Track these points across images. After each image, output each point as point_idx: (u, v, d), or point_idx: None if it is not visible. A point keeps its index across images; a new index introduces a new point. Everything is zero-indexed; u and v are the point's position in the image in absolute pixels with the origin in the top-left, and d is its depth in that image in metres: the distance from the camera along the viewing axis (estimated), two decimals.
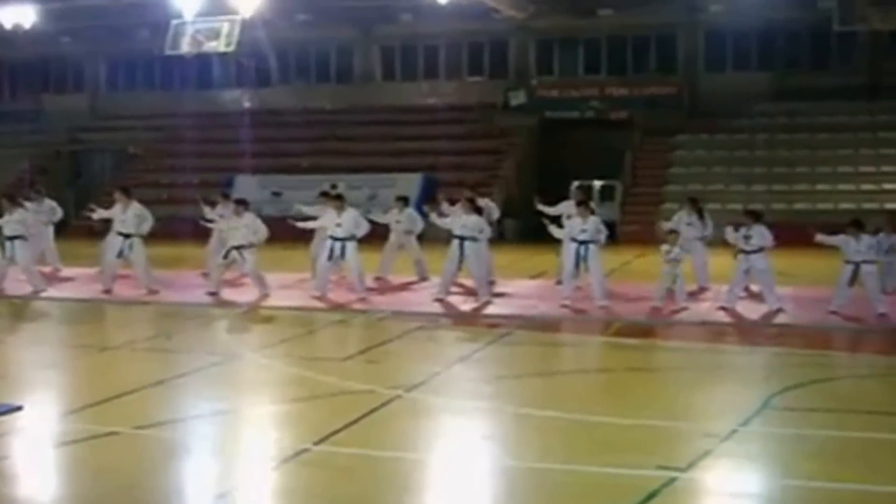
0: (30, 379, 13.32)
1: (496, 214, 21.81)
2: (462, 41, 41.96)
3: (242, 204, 20.49)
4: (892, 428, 10.35)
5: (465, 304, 18.99)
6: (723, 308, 17.99)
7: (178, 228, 28.62)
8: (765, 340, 16.35)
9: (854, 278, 17.48)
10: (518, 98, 40.09)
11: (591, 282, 18.76)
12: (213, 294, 19.85)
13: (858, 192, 34.69)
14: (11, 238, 20.59)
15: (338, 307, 18.85)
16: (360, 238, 19.62)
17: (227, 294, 20.07)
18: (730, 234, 18.17)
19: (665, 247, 18.35)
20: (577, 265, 18.55)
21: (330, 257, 19.58)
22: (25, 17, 37.66)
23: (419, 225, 22.47)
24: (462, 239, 19.04)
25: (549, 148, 39.01)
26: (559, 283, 19.66)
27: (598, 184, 36.06)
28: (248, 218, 19.99)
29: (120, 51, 46.19)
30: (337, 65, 44.25)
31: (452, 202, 21.29)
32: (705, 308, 18.41)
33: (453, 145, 37.09)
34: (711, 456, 9.21)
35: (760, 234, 17.83)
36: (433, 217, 20.71)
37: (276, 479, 8.81)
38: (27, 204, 22.89)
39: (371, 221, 20.57)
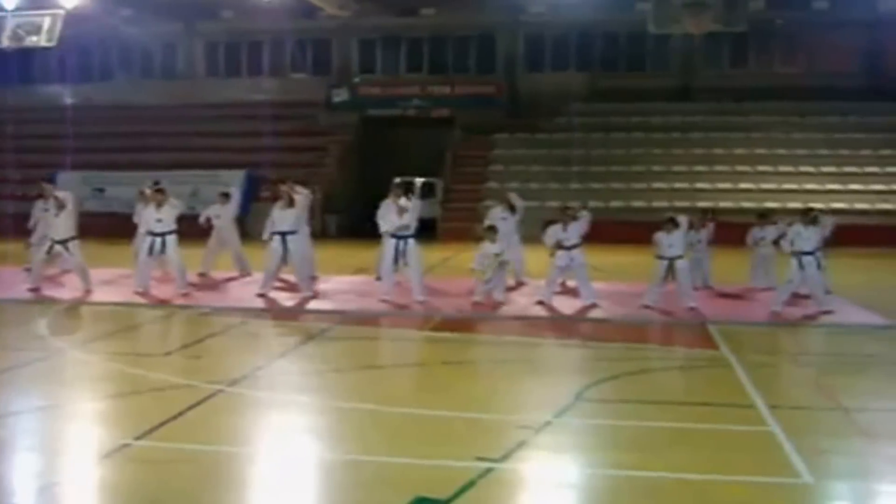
0: None
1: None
2: (286, 38, 42.04)
3: (161, 192, 20.10)
4: (697, 418, 10.79)
5: (288, 300, 19.19)
6: (540, 302, 18.57)
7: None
8: (580, 334, 16.83)
9: (668, 274, 18.25)
10: (341, 96, 40.37)
11: (410, 277, 19.17)
12: (34, 290, 19.64)
13: (671, 190, 36.00)
14: None
15: (160, 303, 18.85)
16: (181, 232, 19.61)
17: (49, 290, 19.85)
18: (546, 236, 18.72)
19: (486, 244, 18.79)
20: (395, 260, 18.92)
21: (150, 252, 19.55)
22: None
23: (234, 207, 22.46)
24: (283, 234, 19.24)
25: (371, 145, 39.40)
26: (379, 278, 19.99)
27: (419, 181, 36.56)
28: (68, 212, 19.79)
29: None
30: (161, 60, 43.78)
31: (274, 198, 21.38)
32: (523, 303, 18.94)
33: (276, 142, 37.12)
34: (526, 447, 9.47)
35: (576, 229, 18.46)
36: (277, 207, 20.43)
37: (98, 473, 8.80)
38: None
39: (193, 216, 20.53)
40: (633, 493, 8.42)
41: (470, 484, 8.33)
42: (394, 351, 16.15)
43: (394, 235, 18.92)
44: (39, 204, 22.28)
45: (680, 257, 18.20)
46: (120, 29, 40.61)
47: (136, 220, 20.86)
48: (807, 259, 17.93)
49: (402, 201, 19.10)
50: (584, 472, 9.04)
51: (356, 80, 41.50)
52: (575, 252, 18.41)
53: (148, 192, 20.76)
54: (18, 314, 17.89)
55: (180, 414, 10.50)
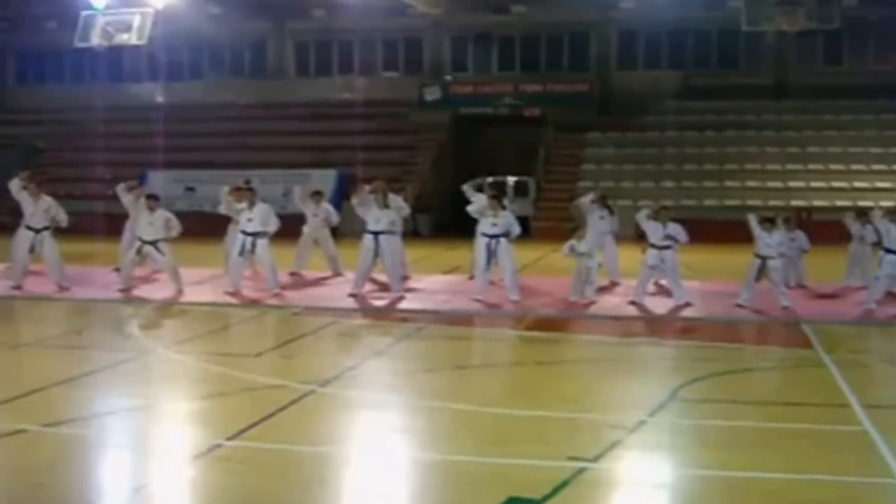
0: None
1: (406, 211, 21.82)
2: (377, 37, 41.99)
3: (154, 199, 20.33)
4: (791, 417, 10.60)
5: (379, 300, 19.03)
6: (632, 302, 18.26)
7: (90, 224, 28.33)
8: (673, 334, 16.63)
9: (761, 273, 17.84)
10: (432, 94, 40.21)
11: (503, 276, 18.91)
12: (124, 290, 19.69)
13: (765, 189, 35.37)
14: None
15: (251, 303, 18.79)
16: (272, 233, 19.56)
17: (140, 290, 19.91)
18: (643, 222, 18.42)
19: (571, 242, 18.54)
20: (488, 260, 18.68)
21: (241, 252, 19.50)
22: None
23: (334, 219, 22.52)
24: (376, 234, 19.07)
25: (463, 144, 39.21)
26: (472, 277, 19.78)
27: (511, 180, 36.31)
28: (161, 213, 19.85)
29: (28, 43, 45.55)
30: (251, 59, 44.00)
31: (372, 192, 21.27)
32: (615, 302, 18.66)
33: (368, 141, 37.07)
34: (620, 447, 9.32)
35: (676, 231, 18.13)
36: (354, 202, 20.35)
37: (189, 474, 8.76)
38: None
39: (285, 216, 20.48)
40: (726, 494, 8.28)
41: (563, 484, 8.21)
42: (486, 350, 15.99)
43: (486, 234, 18.68)
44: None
45: (775, 257, 17.79)
46: (209, 28, 40.85)
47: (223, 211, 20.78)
48: (890, 258, 17.57)
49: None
50: (677, 473, 8.89)
51: (448, 78, 41.36)
52: (666, 252, 18.07)
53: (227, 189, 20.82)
54: (110, 314, 17.94)
55: (272, 414, 10.40)
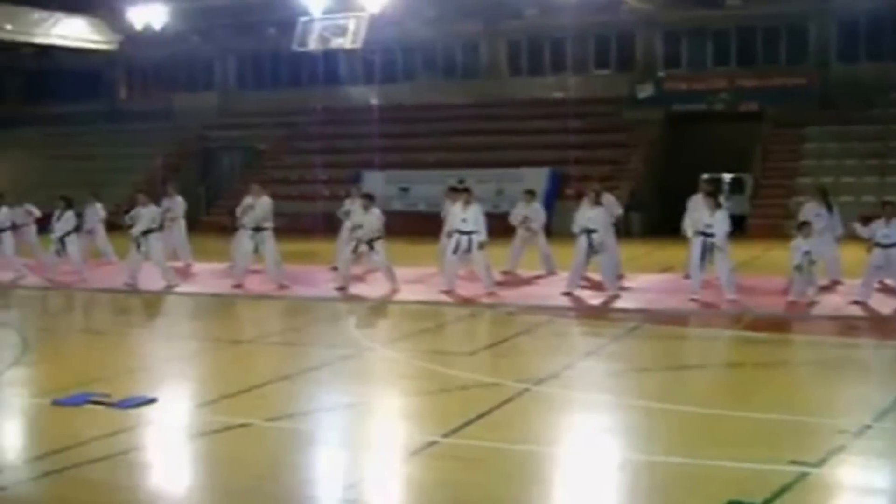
0: (163, 372, 13.60)
1: (618, 210, 21.57)
2: (589, 34, 41.64)
3: (369, 198, 20.64)
4: None
5: (594, 299, 18.84)
6: (856, 302, 17.55)
7: (307, 224, 29.00)
8: None
9: None
10: (645, 91, 39.61)
11: (719, 275, 18.50)
12: (341, 289, 20.04)
13: None
14: (145, 233, 21.06)
15: (466, 302, 18.85)
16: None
17: (356, 288, 20.22)
18: (860, 229, 17.79)
19: (797, 240, 17.99)
20: (703, 258, 18.30)
21: (456, 251, 19.59)
22: (156, 17, 38.57)
23: (541, 218, 22.43)
24: (589, 232, 18.90)
25: (676, 141, 38.53)
26: (687, 276, 19.41)
27: (727, 177, 35.56)
28: (375, 212, 20.13)
29: (248, 49, 46.95)
30: (463, 60, 44.27)
31: (579, 196, 21.18)
32: (838, 302, 17.98)
33: (580, 139, 36.78)
34: (845, 452, 8.97)
35: None
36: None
37: (405, 470, 8.85)
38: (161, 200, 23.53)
39: (498, 215, 20.52)
40: None
41: (784, 488, 7.92)
42: (702, 350, 15.62)
43: (701, 233, 18.30)
44: (346, 203, 22.79)
45: None
46: (422, 30, 41.28)
47: (444, 215, 20.97)
48: None
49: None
50: None
51: (661, 74, 40.71)
52: (892, 251, 17.36)
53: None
54: (327, 312, 18.27)
55: (487, 412, 10.38)
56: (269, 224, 20.80)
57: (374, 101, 44.52)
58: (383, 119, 41.35)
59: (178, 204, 24.88)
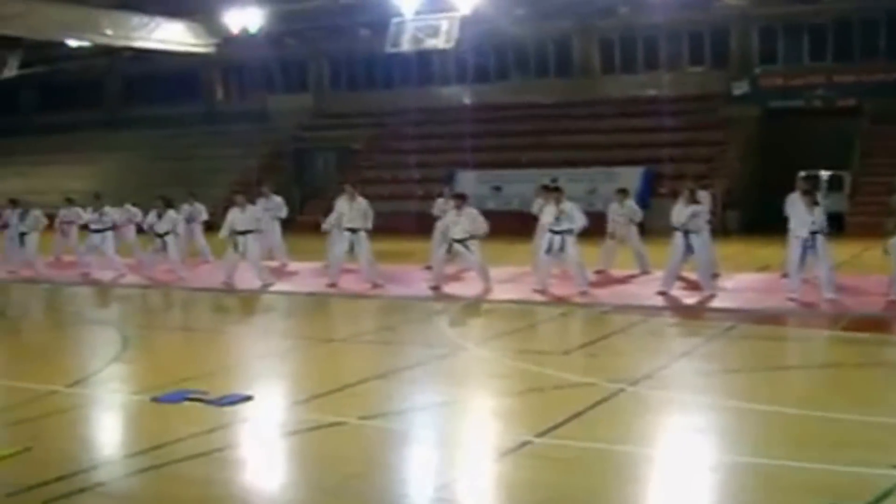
0: (259, 370, 13.74)
1: (708, 208, 21.31)
2: (682, 31, 41.21)
3: (462, 198, 20.65)
4: None
5: (689, 298, 18.66)
6: None
7: (401, 223, 29.09)
8: None
9: None
10: (741, 88, 39.10)
11: (818, 275, 18.18)
12: (435, 288, 20.08)
13: None
14: (242, 233, 21.32)
15: (559, 301, 18.77)
16: (580, 232, 19.52)
17: (450, 288, 20.25)
18: None
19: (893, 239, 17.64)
20: (803, 257, 18.00)
21: (549, 250, 19.53)
22: (252, 20, 39.00)
23: (637, 216, 22.29)
24: (686, 231, 18.72)
25: (773, 138, 37.93)
26: (785, 276, 19.12)
27: (825, 174, 34.99)
28: (469, 212, 20.13)
29: (342, 50, 47.23)
30: (555, 58, 44.08)
31: (674, 194, 20.99)
32: None
33: (674, 137, 36.46)
34: None
35: None
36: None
37: (497, 470, 8.83)
38: (257, 200, 23.83)
39: (591, 213, 20.41)
40: None
41: (887, 493, 7.75)
42: (801, 351, 15.38)
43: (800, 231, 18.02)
44: (439, 203, 22.87)
45: None
46: (515, 29, 41.18)
47: (535, 211, 20.90)
48: None
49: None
50: None
51: (757, 71, 40.14)
52: None
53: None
54: (421, 312, 18.30)
55: (582, 412, 10.33)
56: (364, 224, 20.94)
57: (466, 100, 44.58)
58: (476, 118, 41.40)
59: (274, 204, 25.13)
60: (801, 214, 18.27)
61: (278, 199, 25.36)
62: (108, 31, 39.78)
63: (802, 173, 28.88)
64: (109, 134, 52.58)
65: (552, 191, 20.30)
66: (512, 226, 23.49)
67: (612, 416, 10.43)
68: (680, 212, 18.89)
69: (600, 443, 9.24)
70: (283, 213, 25.33)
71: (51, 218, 27.16)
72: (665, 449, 9.47)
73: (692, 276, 19.45)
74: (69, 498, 8.07)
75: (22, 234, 25.25)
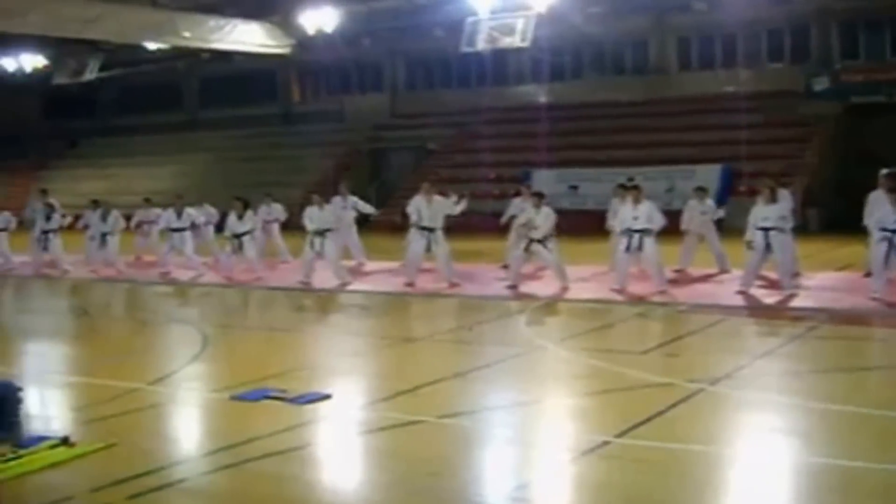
0: (337, 368, 13.79)
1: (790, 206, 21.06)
2: (760, 27, 40.71)
3: (540, 196, 20.59)
4: None
5: (769, 297, 18.42)
6: None
7: (477, 223, 29.07)
8: None
9: None
10: (821, 84, 38.56)
11: None
12: (512, 287, 20.03)
13: None
14: (320, 233, 21.44)
15: (637, 300, 18.64)
16: (658, 231, 19.40)
17: (527, 287, 20.19)
18: None
19: None
20: (887, 256, 17.70)
21: (627, 250, 19.41)
22: (328, 21, 39.24)
23: (718, 213, 22.11)
24: (766, 230, 18.49)
25: (854, 134, 37.38)
26: (868, 275, 18.83)
27: None
28: (545, 210, 20.06)
29: (418, 50, 47.36)
30: (632, 56, 43.80)
31: (752, 193, 20.77)
32: None
33: (753, 134, 36.03)
34: None
35: None
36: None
37: (575, 471, 8.76)
38: (334, 199, 23.97)
39: (669, 212, 20.28)
40: None
41: None
42: (884, 351, 15.11)
43: (884, 229, 17.71)
44: (516, 202, 22.84)
45: None
46: (590, 27, 40.99)
47: (610, 218, 20.79)
48: None
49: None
50: None
51: (837, 66, 39.56)
52: None
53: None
54: (498, 311, 18.26)
55: (661, 412, 10.24)
56: (439, 223, 20.97)
57: (542, 99, 44.45)
58: (552, 117, 41.27)
59: (350, 204, 25.24)
60: (884, 212, 17.96)
61: (354, 199, 25.49)
62: (186, 34, 40.26)
63: (885, 171, 28.34)
64: (187, 135, 53.25)
65: (631, 189, 20.18)
66: (588, 225, 23.36)
67: (691, 416, 10.32)
68: (759, 211, 18.67)
69: (679, 443, 9.15)
70: (370, 208, 25.37)
71: (129, 219, 27.54)
72: (746, 450, 9.32)
73: (773, 275, 19.21)
74: (152, 493, 8.16)
75: (104, 235, 25.68)
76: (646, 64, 43.47)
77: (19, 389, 9.95)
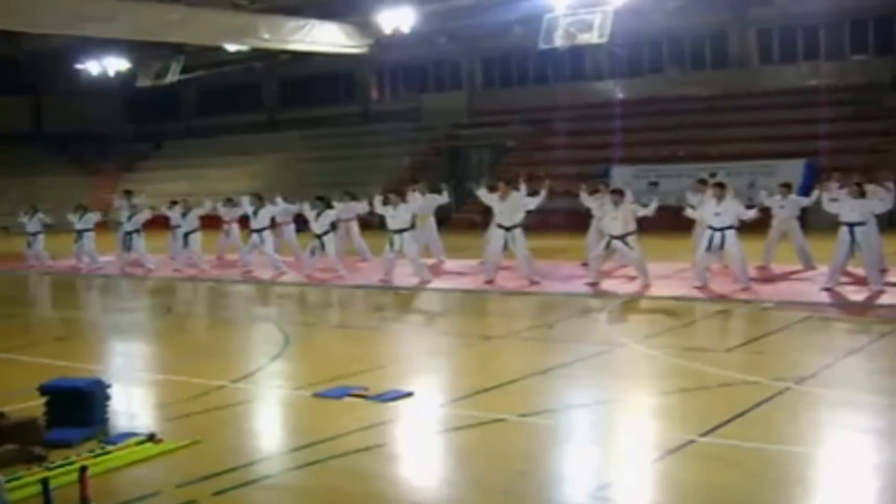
0: (418, 366, 13.81)
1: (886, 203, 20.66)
2: (844, 18, 40.05)
3: (619, 194, 20.46)
4: None
5: (856, 294, 18.13)
6: None
7: (556, 220, 28.99)
8: None
9: None
10: None
11: None
12: (592, 284, 19.93)
13: None
14: (399, 231, 21.50)
15: (720, 297, 18.45)
16: (739, 227, 19.18)
17: (607, 284, 20.08)
18: None
19: None
20: None
21: (709, 247, 19.21)
22: (405, 20, 39.33)
23: (805, 202, 21.84)
24: (851, 225, 18.19)
25: None
26: None
27: None
28: (626, 207, 19.94)
29: (494, 48, 47.31)
30: (711, 50, 43.33)
31: (841, 186, 20.48)
32: None
33: (836, 128, 35.52)
34: None
35: None
36: (825, 200, 19.88)
37: (659, 470, 8.67)
38: (414, 195, 24.03)
39: (753, 207, 20.05)
40: None
41: None
42: None
43: None
44: (595, 198, 22.70)
45: None
46: (668, 21, 40.68)
47: (689, 212, 20.58)
48: None
49: None
50: None
51: None
52: None
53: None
54: (578, 308, 18.21)
55: (747, 411, 10.11)
56: (519, 220, 20.92)
57: (620, 95, 44.23)
58: (630, 113, 41.05)
59: (428, 202, 25.25)
60: None
61: (434, 197, 25.50)
62: (266, 36, 40.60)
63: None
64: (267, 135, 53.76)
65: (715, 186, 19.94)
66: (669, 221, 23.14)
67: (777, 415, 10.17)
68: (851, 205, 18.37)
69: (765, 443, 9.01)
70: (441, 199, 25.31)
71: (211, 218, 27.78)
72: (834, 450, 9.16)
73: (859, 271, 18.91)
74: (237, 490, 8.22)
75: (186, 234, 25.97)
76: (726, 58, 42.99)
77: (108, 387, 10.15)
